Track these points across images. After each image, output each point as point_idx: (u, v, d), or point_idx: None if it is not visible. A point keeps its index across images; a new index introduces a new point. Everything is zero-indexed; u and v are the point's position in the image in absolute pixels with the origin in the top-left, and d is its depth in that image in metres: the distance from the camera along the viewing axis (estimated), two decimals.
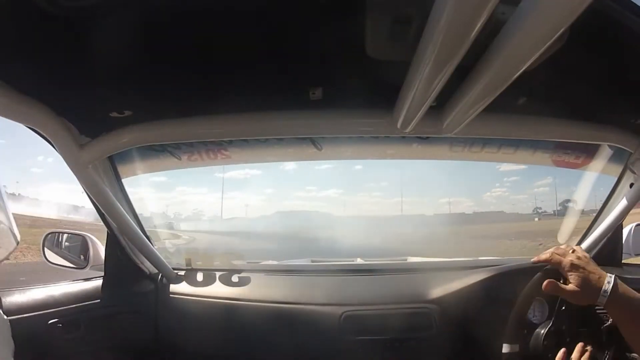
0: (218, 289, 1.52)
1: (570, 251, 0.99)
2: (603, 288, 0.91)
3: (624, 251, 1.60)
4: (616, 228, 1.51)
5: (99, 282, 1.50)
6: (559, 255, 0.99)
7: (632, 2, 0.70)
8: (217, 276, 1.56)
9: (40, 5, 0.63)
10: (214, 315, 1.45)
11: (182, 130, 1.15)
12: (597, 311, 1.14)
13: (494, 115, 1.08)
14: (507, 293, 1.26)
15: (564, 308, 1.20)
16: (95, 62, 0.82)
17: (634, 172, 1.33)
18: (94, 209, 1.31)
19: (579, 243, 1.59)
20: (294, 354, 1.39)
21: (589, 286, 0.93)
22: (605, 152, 1.43)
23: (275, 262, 1.83)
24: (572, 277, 0.95)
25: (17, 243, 0.78)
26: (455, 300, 1.40)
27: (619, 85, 0.97)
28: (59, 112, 1.01)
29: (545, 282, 0.98)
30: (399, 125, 1.06)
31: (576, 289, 0.94)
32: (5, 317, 1.02)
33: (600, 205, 1.57)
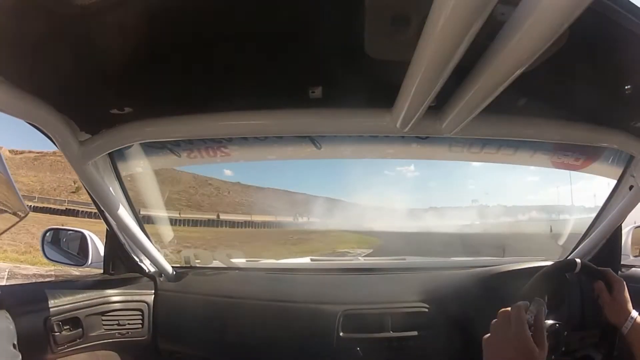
0: (217, 287, 1.52)
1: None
2: (631, 314, 1.09)
3: (622, 253, 1.60)
4: (615, 230, 1.51)
5: (98, 280, 1.50)
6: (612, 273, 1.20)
7: (632, 3, 0.70)
8: (216, 274, 1.57)
9: (41, 3, 0.63)
10: (213, 313, 1.45)
11: (181, 127, 1.15)
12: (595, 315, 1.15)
13: (493, 116, 1.08)
14: (506, 293, 1.26)
15: (562, 309, 1.21)
16: (95, 59, 0.83)
17: (634, 176, 1.34)
18: None
19: (578, 244, 1.60)
20: (293, 351, 1.39)
21: (622, 307, 1.11)
22: (605, 154, 1.43)
23: (274, 261, 1.84)
24: (615, 292, 1.14)
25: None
26: (454, 299, 1.40)
27: (619, 87, 0.97)
28: (60, 108, 1.02)
29: (598, 282, 1.16)
30: (398, 125, 1.06)
31: (614, 301, 1.13)
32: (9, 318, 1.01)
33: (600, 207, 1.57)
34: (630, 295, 1.14)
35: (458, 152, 1.40)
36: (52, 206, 28.57)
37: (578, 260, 1.19)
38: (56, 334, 1.26)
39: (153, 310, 1.48)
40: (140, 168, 1.47)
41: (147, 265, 1.57)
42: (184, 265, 1.63)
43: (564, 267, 1.35)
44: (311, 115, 1.11)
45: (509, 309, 0.94)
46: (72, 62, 0.84)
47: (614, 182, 1.49)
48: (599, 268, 1.20)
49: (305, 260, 1.92)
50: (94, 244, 1.65)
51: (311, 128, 1.19)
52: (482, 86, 0.81)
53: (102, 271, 1.55)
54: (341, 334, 1.37)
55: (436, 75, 0.74)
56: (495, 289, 1.37)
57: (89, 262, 1.65)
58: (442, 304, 1.39)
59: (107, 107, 1.05)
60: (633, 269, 1.51)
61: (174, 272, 1.58)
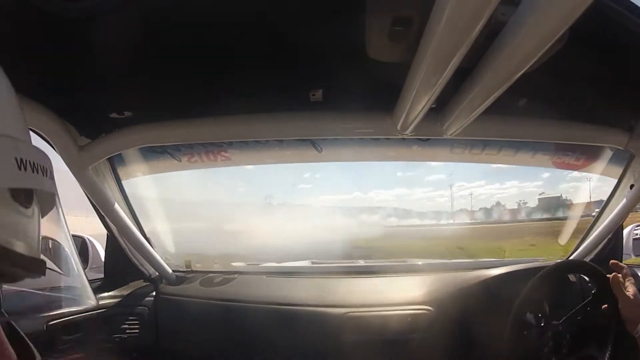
0: (218, 291, 1.51)
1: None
2: None
3: (624, 252, 1.59)
4: (616, 229, 1.51)
5: (98, 284, 1.49)
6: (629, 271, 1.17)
7: (632, 3, 0.70)
8: (217, 278, 1.56)
9: (40, 6, 0.63)
10: (214, 317, 1.44)
11: (181, 131, 1.15)
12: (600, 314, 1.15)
13: (494, 117, 1.08)
14: (507, 294, 1.25)
15: (564, 308, 1.21)
16: (95, 63, 0.83)
17: (636, 175, 1.34)
18: None
19: (580, 243, 1.59)
20: (296, 355, 1.38)
21: (638, 306, 1.09)
22: (606, 153, 1.42)
23: (275, 264, 1.83)
24: (630, 290, 1.11)
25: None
26: (455, 301, 1.39)
27: (620, 87, 0.97)
28: (59, 113, 1.01)
29: (614, 275, 1.13)
30: (399, 127, 1.06)
31: (631, 297, 1.10)
32: None
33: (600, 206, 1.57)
34: None
35: (459, 153, 1.39)
36: None
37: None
38: (57, 338, 1.25)
39: (154, 314, 1.47)
40: (141, 173, 1.46)
41: (148, 270, 1.57)
42: (185, 270, 1.62)
43: (565, 268, 1.35)
44: (312, 119, 1.11)
45: None
46: (72, 66, 0.84)
47: (614, 181, 1.49)
48: (619, 264, 1.17)
49: (306, 263, 1.91)
50: (95, 248, 1.64)
51: (312, 131, 1.19)
52: (483, 87, 0.81)
53: (102, 276, 1.55)
54: (343, 337, 1.36)
55: (437, 77, 0.74)
56: (497, 290, 1.37)
57: (89, 267, 1.64)
58: (444, 305, 1.39)
59: (107, 111, 1.05)
60: (634, 268, 1.51)
61: (175, 277, 1.58)
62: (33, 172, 0.40)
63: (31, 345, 0.46)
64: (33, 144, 0.44)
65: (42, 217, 0.44)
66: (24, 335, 0.47)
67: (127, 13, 0.70)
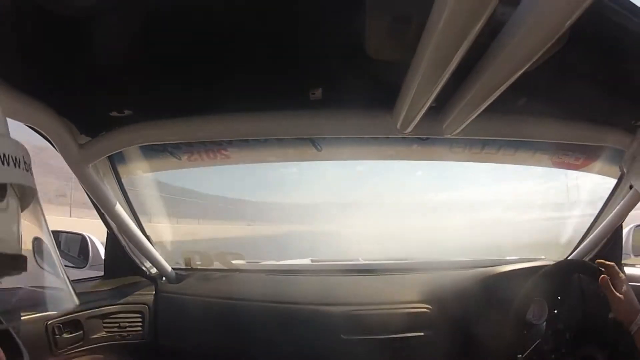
0: (218, 289, 1.51)
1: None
2: None
3: (623, 252, 1.59)
4: (616, 229, 1.51)
5: (98, 282, 1.49)
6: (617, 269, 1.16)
7: (631, 3, 0.70)
8: (217, 276, 1.56)
9: (40, 5, 0.63)
10: (214, 315, 1.45)
11: (181, 129, 1.15)
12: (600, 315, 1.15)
13: (493, 116, 1.08)
14: (507, 293, 1.26)
15: (563, 308, 1.21)
16: (95, 61, 0.83)
17: (626, 170, 1.33)
18: None
19: (579, 243, 1.59)
20: (295, 354, 1.39)
21: (631, 303, 1.09)
22: (605, 153, 1.42)
23: (275, 262, 1.83)
24: (621, 289, 1.11)
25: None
26: (455, 300, 1.40)
27: (619, 86, 0.97)
28: (59, 111, 1.02)
29: (602, 276, 1.13)
30: (398, 126, 1.06)
31: (622, 297, 1.09)
32: None
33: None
34: None
35: (459, 152, 1.39)
36: None
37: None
38: (57, 336, 1.26)
39: (154, 312, 1.47)
40: (141, 171, 1.47)
41: (148, 268, 1.57)
42: (185, 267, 1.63)
43: (565, 267, 1.35)
44: (311, 117, 1.11)
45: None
46: (72, 64, 0.84)
47: (614, 181, 1.49)
48: (606, 262, 1.17)
49: (306, 261, 1.91)
50: (95, 246, 1.65)
51: (312, 130, 1.19)
52: (483, 86, 0.81)
53: (102, 273, 1.55)
54: (343, 335, 1.37)
55: (437, 76, 0.74)
56: (496, 289, 1.37)
57: (89, 264, 1.64)
58: (443, 304, 1.39)
59: (107, 109, 1.05)
60: (634, 268, 1.51)
61: (175, 274, 1.58)
62: (2, 164, 0.37)
63: (19, 343, 0.45)
64: (6, 136, 0.40)
65: (21, 210, 0.41)
66: (13, 333, 0.45)
67: (128, 11, 0.70)
